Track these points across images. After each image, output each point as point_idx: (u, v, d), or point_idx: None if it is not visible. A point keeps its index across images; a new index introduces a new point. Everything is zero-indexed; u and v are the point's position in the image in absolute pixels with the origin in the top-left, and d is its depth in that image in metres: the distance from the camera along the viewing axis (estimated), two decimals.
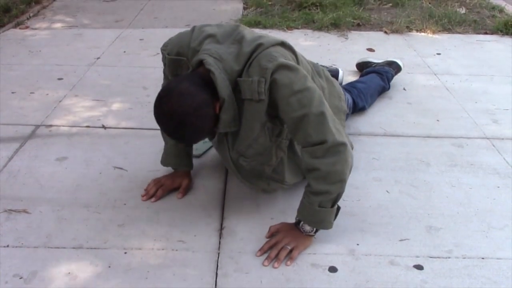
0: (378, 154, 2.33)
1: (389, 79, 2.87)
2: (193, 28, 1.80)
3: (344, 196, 2.01)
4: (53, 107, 2.74)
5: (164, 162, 2.08)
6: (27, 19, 4.29)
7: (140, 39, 3.79)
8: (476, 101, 2.86)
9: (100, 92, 2.92)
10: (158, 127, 2.48)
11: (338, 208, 1.74)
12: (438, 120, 2.64)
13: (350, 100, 2.50)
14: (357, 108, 2.60)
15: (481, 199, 2.03)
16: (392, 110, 2.74)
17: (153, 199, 1.99)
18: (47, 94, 2.89)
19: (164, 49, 1.84)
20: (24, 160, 2.26)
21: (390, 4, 4.57)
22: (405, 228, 1.87)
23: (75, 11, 4.54)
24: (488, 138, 2.48)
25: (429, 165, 2.25)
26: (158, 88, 2.83)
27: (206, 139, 2.36)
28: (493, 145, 2.42)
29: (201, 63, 1.64)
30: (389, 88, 2.86)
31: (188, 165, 2.09)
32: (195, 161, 2.17)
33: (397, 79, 3.06)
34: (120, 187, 2.08)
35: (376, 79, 2.81)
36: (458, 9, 4.41)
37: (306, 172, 1.69)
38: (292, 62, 1.66)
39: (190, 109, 1.53)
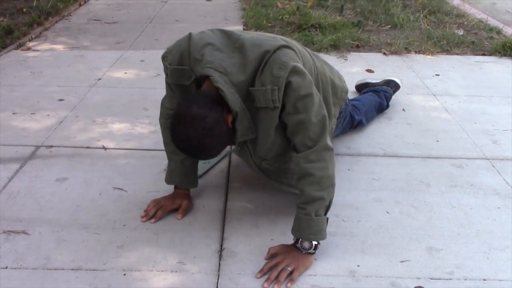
0: (378, 175, 2.33)
1: (387, 97, 2.89)
2: (190, 35, 1.79)
3: (344, 217, 2.02)
4: (53, 128, 2.75)
5: (169, 180, 2.07)
6: (29, 40, 4.33)
7: (141, 61, 3.82)
8: (475, 121, 2.87)
9: (100, 113, 2.94)
10: (158, 148, 2.50)
11: (327, 219, 1.79)
12: (437, 141, 2.64)
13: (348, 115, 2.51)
14: (355, 122, 2.61)
15: (482, 220, 2.03)
16: (392, 130, 2.75)
17: (152, 220, 1.98)
18: (48, 115, 2.90)
19: (165, 59, 1.83)
20: (24, 181, 2.26)
21: (389, 26, 4.61)
22: (405, 249, 1.86)
23: (77, 33, 4.59)
24: (488, 159, 2.48)
25: (429, 186, 2.25)
26: (159, 109, 2.85)
27: (208, 160, 2.37)
28: (493, 166, 2.42)
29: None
30: (387, 106, 2.89)
31: (193, 183, 2.09)
32: None
33: (396, 100, 3.08)
34: (120, 208, 2.08)
35: (372, 96, 2.84)
36: (456, 31, 4.45)
37: (298, 180, 1.75)
38: (300, 65, 1.69)
39: (205, 131, 1.59)
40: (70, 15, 5.21)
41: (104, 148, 2.55)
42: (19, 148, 2.54)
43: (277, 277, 1.68)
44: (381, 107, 2.85)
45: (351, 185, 2.25)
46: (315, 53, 2.14)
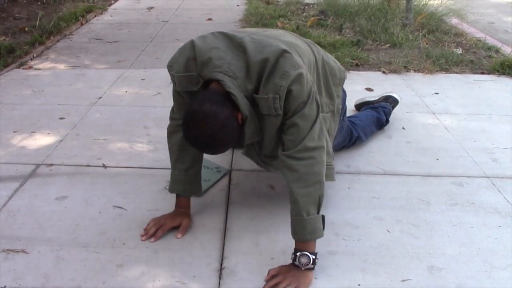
0: (378, 193, 2.33)
1: (386, 112, 2.91)
2: (193, 42, 1.82)
3: (344, 235, 2.01)
4: (54, 146, 2.75)
5: (172, 188, 2.08)
6: (31, 59, 4.36)
7: (142, 79, 3.84)
8: (475, 139, 2.87)
9: (101, 131, 2.94)
10: (158, 166, 2.50)
11: (323, 217, 1.80)
12: (437, 159, 2.64)
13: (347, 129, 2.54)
14: (353, 137, 2.63)
15: (483, 239, 2.02)
16: (392, 149, 2.75)
17: (152, 239, 1.97)
18: (49, 133, 2.91)
19: (171, 69, 1.85)
20: (24, 199, 2.26)
21: (388, 45, 4.64)
22: (406, 268, 1.85)
23: (78, 51, 4.62)
24: (488, 177, 2.48)
25: (429, 204, 2.25)
26: (159, 127, 2.86)
27: (209, 178, 2.37)
28: (493, 184, 2.42)
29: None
30: (387, 121, 2.91)
31: (197, 191, 2.11)
32: (194, 200, 2.17)
33: (396, 118, 3.09)
34: (120, 226, 2.07)
35: (369, 112, 2.87)
36: (455, 50, 4.48)
37: (286, 178, 1.80)
38: (300, 71, 1.72)
39: (218, 128, 1.63)
40: (72, 34, 5.25)
41: (104, 166, 2.55)
42: (20, 166, 2.54)
43: None
44: (380, 122, 2.87)
45: (351, 204, 2.25)
46: (310, 41, 2.20)
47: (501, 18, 6.39)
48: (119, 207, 2.21)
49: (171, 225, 2.02)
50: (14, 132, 2.93)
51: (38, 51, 4.57)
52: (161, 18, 5.99)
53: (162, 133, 2.87)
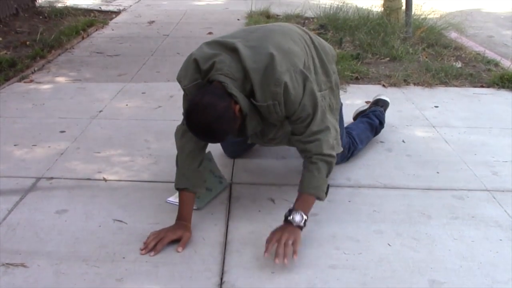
0: (379, 207, 2.33)
1: (377, 115, 2.94)
2: (192, 56, 2.00)
3: (345, 249, 2.01)
4: (54, 160, 2.75)
5: (179, 184, 2.12)
6: (32, 73, 4.38)
7: (142, 93, 3.85)
8: (475, 153, 2.87)
9: (101, 144, 2.95)
10: (159, 180, 2.50)
11: (328, 186, 2.06)
12: (438, 172, 2.64)
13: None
14: (351, 147, 2.67)
15: (484, 252, 2.01)
16: (392, 162, 2.75)
17: (151, 253, 1.96)
18: (49, 147, 2.91)
19: (180, 83, 2.03)
20: (23, 213, 2.26)
21: (388, 59, 4.66)
22: (407, 282, 1.84)
23: (79, 65, 4.64)
24: (488, 190, 2.48)
25: (430, 218, 2.24)
26: (160, 141, 2.87)
27: (211, 187, 2.37)
28: (494, 197, 2.41)
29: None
30: (380, 124, 2.94)
31: (202, 188, 2.20)
32: (194, 213, 2.16)
33: (396, 131, 3.10)
34: (120, 240, 2.07)
35: (360, 119, 2.93)
36: (454, 63, 4.50)
37: (300, 153, 2.09)
38: (289, 73, 1.90)
39: (214, 118, 1.81)
40: (73, 48, 5.28)
41: (104, 180, 2.55)
42: (20, 179, 2.54)
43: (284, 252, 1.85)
44: (373, 126, 2.90)
45: (351, 217, 2.24)
46: (305, 29, 2.34)
47: (500, 31, 6.43)
48: (119, 220, 2.20)
49: (171, 238, 2.01)
50: (14, 145, 2.93)
51: (39, 64, 4.59)
52: (162, 32, 6.02)
53: (162, 147, 2.89)
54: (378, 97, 3.17)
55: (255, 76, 1.88)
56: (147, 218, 2.22)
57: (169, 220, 2.16)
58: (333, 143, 2.06)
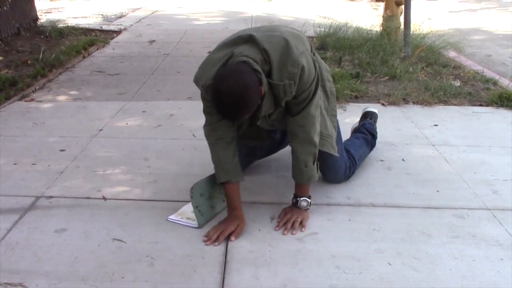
0: (379, 225, 2.32)
1: (367, 128, 2.99)
2: (210, 57, 2.13)
3: (345, 268, 2.00)
4: (54, 178, 2.75)
5: (221, 178, 2.28)
6: (33, 92, 4.40)
7: (143, 111, 3.86)
8: (475, 171, 2.87)
9: (101, 163, 2.95)
10: (158, 199, 2.49)
11: (318, 164, 2.33)
12: (438, 191, 2.64)
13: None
14: (352, 163, 2.71)
15: (485, 272, 2.00)
16: (392, 181, 2.75)
17: (216, 243, 2.15)
18: (49, 165, 2.91)
19: (198, 84, 2.15)
20: (23, 232, 2.25)
21: (387, 77, 4.69)
22: None
23: (80, 84, 4.66)
24: (489, 209, 2.47)
25: (430, 237, 2.24)
26: (160, 159, 2.87)
27: (214, 205, 2.38)
28: (494, 216, 2.41)
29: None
30: (372, 135, 2.98)
31: (241, 178, 2.32)
32: (194, 232, 2.16)
33: (395, 150, 3.10)
34: (119, 259, 2.06)
35: (354, 136, 2.97)
36: (453, 82, 4.52)
37: (290, 138, 2.30)
38: (304, 56, 2.06)
39: (243, 87, 1.90)
40: (74, 67, 5.31)
41: (104, 198, 2.55)
42: (19, 198, 2.54)
43: (292, 227, 2.25)
44: (368, 141, 2.93)
45: (352, 236, 2.24)
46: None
47: (498, 50, 6.48)
48: (118, 239, 2.20)
49: (231, 229, 2.21)
50: (14, 164, 2.93)
51: (40, 83, 4.62)
52: (162, 51, 6.06)
53: (162, 165, 2.89)
54: (366, 110, 3.24)
55: (273, 56, 2.01)
56: (147, 237, 2.21)
57: (169, 239, 2.16)
58: (318, 131, 2.28)
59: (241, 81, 1.91)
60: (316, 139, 2.27)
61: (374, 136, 3.00)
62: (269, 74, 2.03)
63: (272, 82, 2.04)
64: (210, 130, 2.26)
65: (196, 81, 2.15)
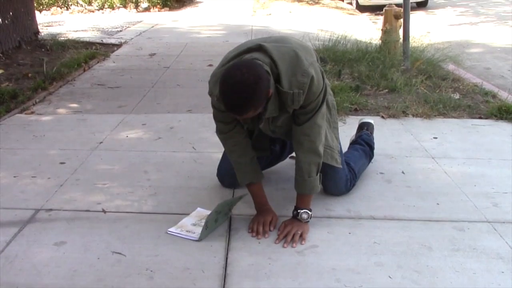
0: (379, 238, 2.31)
1: (364, 139, 3.01)
2: (220, 70, 2.17)
3: (346, 281, 1.99)
4: (54, 191, 2.75)
5: (244, 180, 2.43)
6: (33, 104, 4.41)
7: (143, 124, 3.87)
8: (475, 184, 2.87)
9: (101, 176, 2.95)
10: (158, 211, 2.49)
11: (320, 176, 2.35)
12: (438, 204, 2.64)
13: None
14: (353, 176, 2.71)
15: (486, 285, 1.99)
16: (392, 193, 2.74)
17: (266, 235, 2.31)
18: (49, 178, 2.91)
19: (212, 93, 2.24)
20: (22, 245, 2.24)
21: (386, 90, 4.70)
22: None
23: (80, 97, 4.67)
24: (489, 222, 2.47)
25: (431, 250, 2.23)
26: (160, 172, 2.88)
27: (217, 219, 2.37)
28: (495, 229, 2.40)
29: None
30: (369, 146, 2.99)
31: (262, 176, 2.46)
32: (193, 245, 2.15)
33: (395, 162, 3.10)
34: (118, 272, 2.05)
35: (353, 147, 2.99)
36: (452, 95, 4.53)
37: (295, 146, 2.32)
38: (315, 68, 2.14)
39: (255, 78, 1.94)
40: (74, 80, 5.33)
41: (103, 211, 2.55)
42: (19, 211, 2.54)
43: (292, 239, 2.25)
44: (366, 152, 2.95)
45: (352, 249, 2.23)
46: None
47: (496, 63, 6.50)
48: (118, 252, 2.19)
49: (269, 220, 2.37)
50: (14, 177, 2.93)
51: (40, 96, 4.63)
52: (163, 64, 6.09)
53: (162, 178, 2.89)
54: (362, 121, 3.27)
55: (281, 64, 2.07)
56: (146, 250, 2.20)
57: (169, 251, 2.15)
58: (323, 142, 2.31)
59: (254, 71, 1.96)
60: (321, 149, 2.29)
61: (371, 147, 3.02)
62: (277, 81, 2.09)
63: (281, 89, 2.09)
64: (225, 138, 2.39)
65: (211, 92, 2.24)
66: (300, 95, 2.11)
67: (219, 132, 2.39)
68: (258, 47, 2.13)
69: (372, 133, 3.16)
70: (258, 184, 2.46)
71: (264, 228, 2.33)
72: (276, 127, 2.37)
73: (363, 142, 3.00)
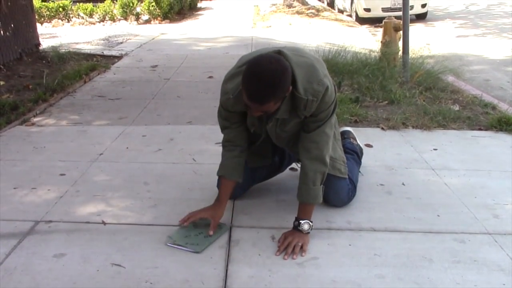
0: (379, 250, 2.30)
1: (350, 148, 2.99)
2: (239, 66, 2.25)
3: None
4: (54, 203, 2.75)
5: (219, 172, 2.48)
6: (34, 116, 4.42)
7: (143, 136, 3.87)
8: (475, 196, 2.86)
9: (101, 188, 2.95)
10: (158, 223, 2.49)
11: (323, 187, 2.36)
12: (438, 215, 2.63)
13: None
14: (352, 193, 2.71)
15: None
16: (392, 205, 2.74)
17: (186, 224, 2.40)
18: (49, 190, 2.91)
19: (227, 95, 2.27)
20: (21, 257, 2.23)
21: (386, 102, 4.71)
22: None
23: (81, 108, 4.69)
24: (489, 234, 2.46)
25: (432, 262, 2.22)
26: (160, 184, 2.87)
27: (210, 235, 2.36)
28: (495, 241, 2.39)
29: None
30: (357, 155, 2.99)
31: (238, 178, 2.48)
32: (192, 258, 2.14)
33: (395, 174, 3.10)
34: (117, 285, 2.04)
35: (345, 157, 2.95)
36: (452, 106, 4.54)
37: (300, 152, 2.34)
38: (328, 78, 2.23)
39: (281, 68, 2.02)
40: (75, 92, 5.35)
41: (103, 223, 2.54)
42: (18, 223, 2.53)
43: (292, 251, 2.25)
44: (355, 160, 2.94)
45: (352, 261, 2.22)
46: None
47: (496, 75, 6.52)
48: (117, 264, 2.18)
49: (201, 215, 2.42)
50: (14, 188, 2.93)
51: (41, 108, 4.64)
52: (163, 76, 6.11)
53: (162, 190, 2.89)
54: (341, 130, 3.21)
55: (298, 71, 2.13)
56: (146, 262, 2.20)
57: (169, 263, 2.15)
58: (330, 152, 2.36)
59: (282, 62, 2.04)
60: (328, 159, 2.33)
61: (358, 154, 3.02)
62: (293, 86, 2.14)
63: (296, 94, 2.15)
64: (223, 132, 2.47)
65: (226, 92, 2.28)
66: (313, 102, 2.17)
67: (221, 127, 2.48)
68: (278, 52, 2.18)
69: (354, 139, 3.15)
70: (230, 182, 2.47)
71: (189, 219, 2.42)
72: (282, 131, 2.39)
73: (350, 151, 2.99)
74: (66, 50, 7.29)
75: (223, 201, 2.48)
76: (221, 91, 2.33)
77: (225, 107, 2.36)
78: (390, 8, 11.76)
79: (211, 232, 2.36)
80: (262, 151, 2.62)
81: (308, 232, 2.34)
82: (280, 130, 2.38)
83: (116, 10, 12.35)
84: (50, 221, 2.55)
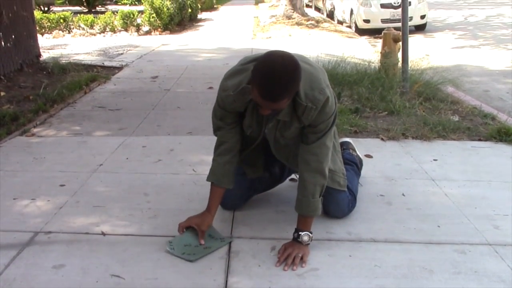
0: (380, 261, 2.30)
1: (349, 159, 2.99)
2: (243, 63, 2.28)
3: None
4: (53, 214, 2.74)
5: (209, 178, 2.48)
6: (34, 127, 4.42)
7: (143, 146, 3.87)
8: (475, 206, 2.86)
9: (101, 198, 2.94)
10: (158, 234, 2.48)
11: (322, 199, 2.36)
12: (439, 226, 2.62)
13: None
14: (352, 204, 2.71)
15: None
16: (392, 216, 2.74)
17: (180, 231, 2.41)
18: (49, 200, 2.90)
19: (227, 92, 2.25)
20: (20, 268, 2.23)
21: (386, 112, 4.72)
22: None
23: (81, 119, 4.69)
24: (490, 244, 2.45)
25: (432, 273, 2.21)
26: (159, 194, 2.87)
27: (210, 245, 2.37)
28: (496, 252, 2.39)
29: None
30: (356, 166, 2.99)
31: (228, 184, 2.47)
32: (192, 268, 2.13)
33: (395, 185, 3.10)
34: None
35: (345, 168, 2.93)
36: (451, 117, 4.55)
37: (300, 164, 2.33)
38: (329, 89, 2.21)
39: (297, 66, 2.02)
40: (75, 102, 5.36)
41: (103, 234, 2.53)
42: (18, 234, 2.53)
43: (292, 262, 2.23)
44: (355, 171, 2.94)
45: (352, 272, 2.21)
46: None
47: (495, 86, 6.54)
48: (117, 276, 2.17)
49: (187, 224, 2.41)
50: (14, 199, 2.93)
51: (41, 119, 4.65)
52: (163, 86, 6.12)
53: (162, 200, 2.88)
54: (340, 140, 3.19)
55: (302, 75, 2.07)
56: (146, 273, 2.19)
57: (169, 275, 2.14)
58: (329, 164, 2.36)
59: (294, 59, 2.03)
60: (327, 171, 2.33)
61: (357, 164, 3.02)
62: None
63: (296, 99, 2.14)
64: (217, 134, 2.46)
65: (225, 89, 2.26)
66: (312, 110, 2.16)
67: (214, 129, 2.46)
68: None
69: (354, 150, 3.15)
70: (219, 189, 2.47)
71: (181, 224, 2.42)
72: (281, 137, 2.38)
73: (349, 161, 2.99)
74: (67, 61, 7.32)
75: (212, 209, 2.46)
76: (220, 88, 2.30)
77: (222, 105, 2.33)
78: (390, 19, 11.81)
79: (202, 241, 2.36)
80: (252, 161, 2.60)
81: (308, 244, 2.33)
82: (280, 134, 2.36)
83: (117, 21, 12.41)
84: (50, 232, 2.54)
